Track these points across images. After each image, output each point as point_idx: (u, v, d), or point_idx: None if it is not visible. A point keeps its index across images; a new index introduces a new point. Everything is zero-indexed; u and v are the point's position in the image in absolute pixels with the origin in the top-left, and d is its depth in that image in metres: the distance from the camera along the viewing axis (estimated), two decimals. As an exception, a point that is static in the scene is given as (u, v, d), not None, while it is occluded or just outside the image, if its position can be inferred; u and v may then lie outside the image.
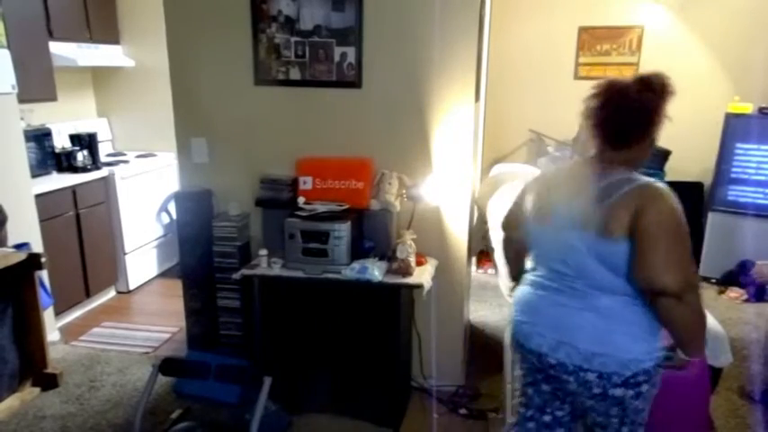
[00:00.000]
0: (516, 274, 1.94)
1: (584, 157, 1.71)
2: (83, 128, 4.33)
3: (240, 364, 2.72)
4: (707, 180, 4.74)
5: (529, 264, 1.86)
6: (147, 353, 3.43)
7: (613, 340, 1.58)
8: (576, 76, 5.00)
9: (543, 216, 1.72)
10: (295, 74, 2.81)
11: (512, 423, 1.96)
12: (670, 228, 1.50)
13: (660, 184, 1.55)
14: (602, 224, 1.55)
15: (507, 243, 2.01)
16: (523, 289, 1.81)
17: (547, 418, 1.84)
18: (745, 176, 4.42)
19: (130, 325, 3.82)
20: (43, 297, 3.01)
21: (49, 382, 3.02)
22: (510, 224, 1.94)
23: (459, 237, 2.87)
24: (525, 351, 1.76)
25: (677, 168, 4.53)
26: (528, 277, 1.81)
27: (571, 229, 1.62)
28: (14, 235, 2.99)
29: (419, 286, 2.57)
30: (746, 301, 4.17)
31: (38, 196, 3.48)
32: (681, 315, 1.51)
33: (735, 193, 4.45)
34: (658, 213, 1.50)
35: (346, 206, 2.70)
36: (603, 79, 1.66)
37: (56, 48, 3.86)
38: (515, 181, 3.24)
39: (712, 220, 4.52)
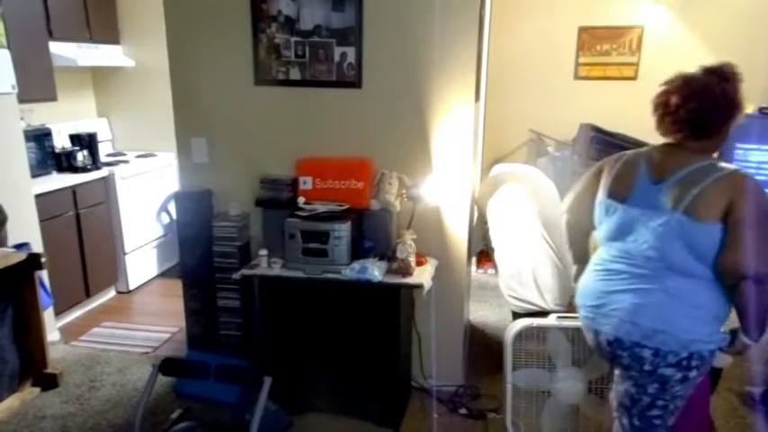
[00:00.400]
0: (580, 257, 1.97)
1: (660, 144, 1.76)
2: (83, 128, 4.33)
3: (240, 364, 2.70)
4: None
5: (593, 247, 1.88)
6: (147, 353, 3.43)
7: (675, 319, 1.62)
8: (576, 76, 4.98)
9: (623, 195, 1.74)
10: (295, 74, 2.81)
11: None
12: (764, 216, 1.56)
13: (746, 172, 1.61)
14: (693, 208, 1.59)
15: (572, 226, 2.04)
16: (588, 277, 1.84)
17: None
18: (745, 176, 4.41)
19: (130, 325, 3.82)
20: (43, 297, 3.01)
21: (49, 382, 3.02)
22: (576, 207, 1.97)
23: (459, 237, 2.87)
24: (591, 333, 1.81)
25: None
26: (593, 262, 1.84)
27: (655, 210, 1.65)
28: (14, 235, 2.99)
29: (419, 286, 2.57)
30: (746, 301, 4.17)
31: (38, 196, 3.48)
32: (759, 300, 1.56)
33: (735, 194, 4.45)
34: (752, 202, 1.55)
35: (346, 206, 2.70)
36: (674, 75, 1.71)
37: (56, 48, 3.86)
38: (515, 181, 3.24)
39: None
